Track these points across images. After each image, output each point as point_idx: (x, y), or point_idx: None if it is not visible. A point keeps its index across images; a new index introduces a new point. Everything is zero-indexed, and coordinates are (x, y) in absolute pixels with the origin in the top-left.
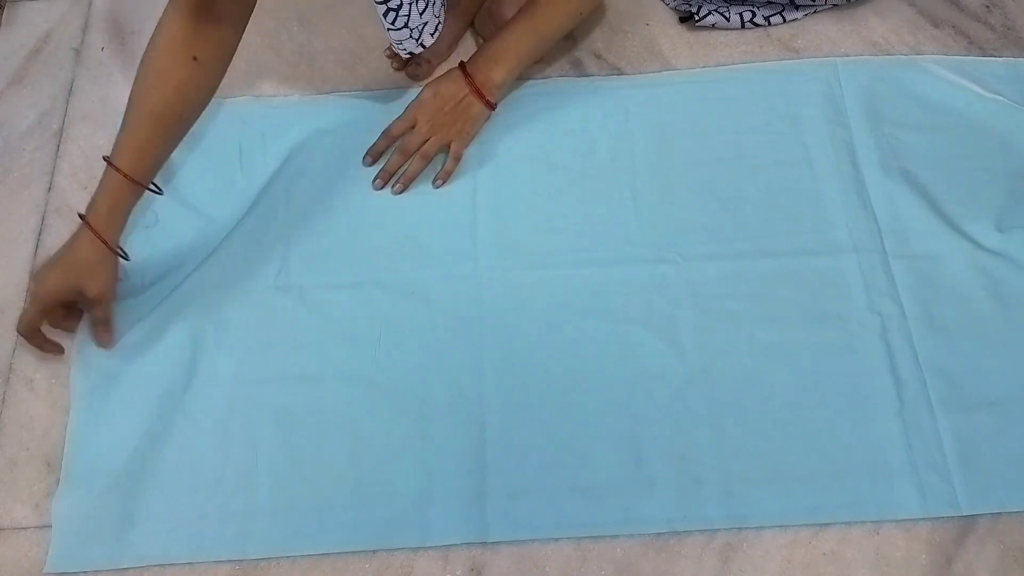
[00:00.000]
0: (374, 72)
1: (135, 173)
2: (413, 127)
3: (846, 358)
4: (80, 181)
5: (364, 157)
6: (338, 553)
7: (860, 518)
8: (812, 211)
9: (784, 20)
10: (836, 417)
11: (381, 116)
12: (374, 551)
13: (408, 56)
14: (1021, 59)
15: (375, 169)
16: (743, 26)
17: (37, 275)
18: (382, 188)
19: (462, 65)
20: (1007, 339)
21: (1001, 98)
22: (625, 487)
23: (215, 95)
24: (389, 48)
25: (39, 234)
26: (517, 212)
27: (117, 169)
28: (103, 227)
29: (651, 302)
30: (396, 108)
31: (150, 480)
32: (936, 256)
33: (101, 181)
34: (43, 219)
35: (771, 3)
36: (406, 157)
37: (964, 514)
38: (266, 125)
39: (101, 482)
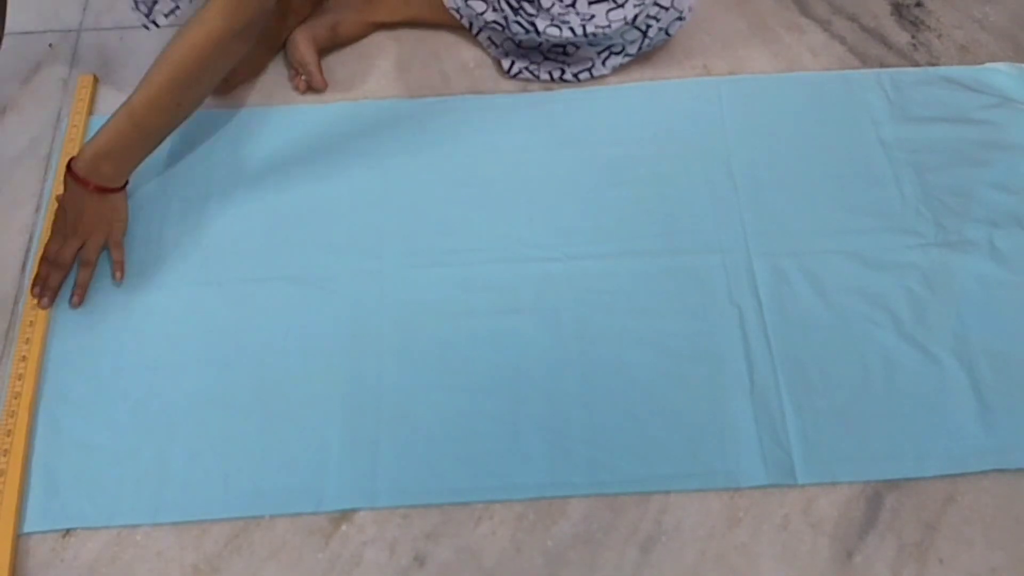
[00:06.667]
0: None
1: None
2: (65, 240)
3: (706, 344)
4: None
5: (32, 288)
6: (292, 545)
7: (710, 487)
8: (685, 215)
9: (592, 76)
10: (694, 397)
11: (287, 125)
12: (327, 542)
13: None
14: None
15: (295, 171)
16: (553, 80)
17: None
18: (50, 306)
19: (69, 166)
20: (843, 332)
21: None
22: (503, 458)
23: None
24: (293, 78)
25: (27, 252)
26: (420, 214)
27: None
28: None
29: (538, 296)
30: (305, 118)
31: (72, 452)
32: (794, 254)
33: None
34: (31, 239)
35: (580, 60)
36: (66, 270)
37: (800, 483)
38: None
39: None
